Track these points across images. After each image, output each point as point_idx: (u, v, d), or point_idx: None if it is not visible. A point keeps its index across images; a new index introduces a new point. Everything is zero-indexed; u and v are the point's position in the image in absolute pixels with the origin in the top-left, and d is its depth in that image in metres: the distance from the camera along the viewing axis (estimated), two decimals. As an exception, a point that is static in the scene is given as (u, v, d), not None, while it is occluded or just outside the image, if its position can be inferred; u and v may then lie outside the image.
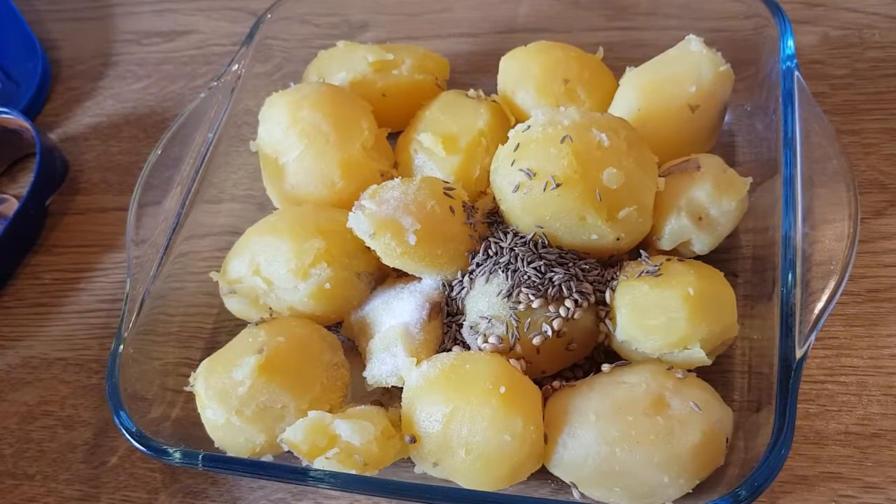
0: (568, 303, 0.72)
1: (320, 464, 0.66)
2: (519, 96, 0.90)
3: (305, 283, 0.77)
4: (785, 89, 0.79)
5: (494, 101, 0.93)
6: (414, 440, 0.68)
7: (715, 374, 0.72)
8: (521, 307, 0.72)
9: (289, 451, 0.68)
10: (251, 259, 0.80)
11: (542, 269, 0.73)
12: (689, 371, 0.70)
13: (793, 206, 0.72)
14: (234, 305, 0.83)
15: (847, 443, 0.74)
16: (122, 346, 0.77)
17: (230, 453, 0.72)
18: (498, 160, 0.77)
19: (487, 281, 0.74)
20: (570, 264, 0.74)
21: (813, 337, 0.66)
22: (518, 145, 0.74)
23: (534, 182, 0.72)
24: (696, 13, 0.96)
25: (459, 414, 0.66)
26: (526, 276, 0.73)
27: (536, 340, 0.71)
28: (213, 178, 0.91)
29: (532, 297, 0.72)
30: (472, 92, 0.93)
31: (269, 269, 0.79)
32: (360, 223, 0.74)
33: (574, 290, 0.72)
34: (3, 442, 0.89)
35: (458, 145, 0.86)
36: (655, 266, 0.73)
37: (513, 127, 0.78)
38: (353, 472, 0.66)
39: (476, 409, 0.66)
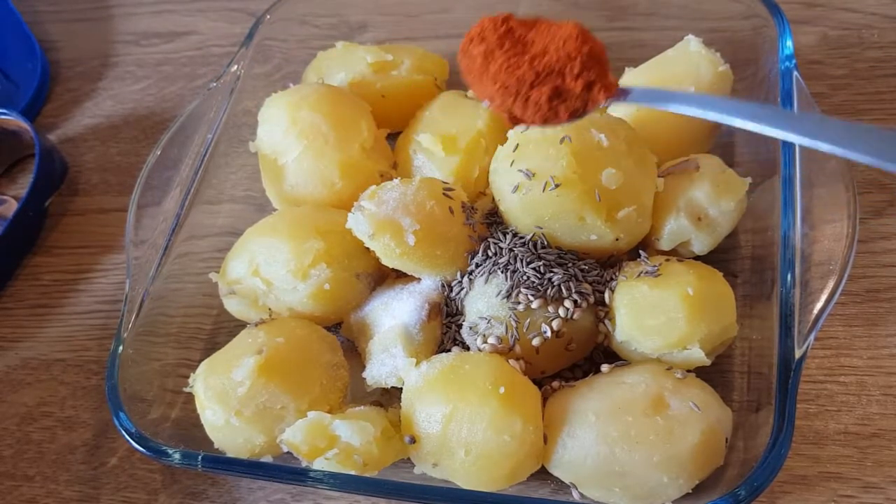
0: (567, 303, 0.72)
1: (320, 464, 0.66)
2: (518, 97, 0.90)
3: (305, 284, 0.77)
4: (784, 89, 0.79)
5: (494, 101, 0.93)
6: (413, 441, 0.68)
7: (714, 374, 0.72)
8: (520, 308, 0.72)
9: (288, 452, 0.68)
10: (250, 260, 0.80)
11: (542, 269, 0.73)
12: (689, 371, 0.70)
13: (792, 206, 0.72)
14: (233, 306, 0.83)
15: (846, 443, 0.74)
16: (121, 347, 0.77)
17: (230, 454, 0.72)
18: (497, 161, 0.77)
19: (487, 281, 0.74)
20: (570, 265, 0.74)
21: (812, 337, 0.66)
22: (517, 146, 0.74)
23: (533, 183, 0.72)
24: (695, 13, 0.96)
25: (459, 414, 0.66)
26: (525, 277, 0.73)
27: (536, 341, 0.71)
28: (213, 178, 0.91)
29: (531, 298, 0.71)
30: (471, 93, 0.93)
31: (268, 269, 0.79)
32: (359, 224, 0.74)
33: (573, 290, 0.72)
34: (2, 443, 0.89)
35: (457, 146, 0.86)
36: (654, 266, 0.73)
37: (512, 127, 0.78)
38: (353, 472, 0.66)
39: (475, 409, 0.66)
